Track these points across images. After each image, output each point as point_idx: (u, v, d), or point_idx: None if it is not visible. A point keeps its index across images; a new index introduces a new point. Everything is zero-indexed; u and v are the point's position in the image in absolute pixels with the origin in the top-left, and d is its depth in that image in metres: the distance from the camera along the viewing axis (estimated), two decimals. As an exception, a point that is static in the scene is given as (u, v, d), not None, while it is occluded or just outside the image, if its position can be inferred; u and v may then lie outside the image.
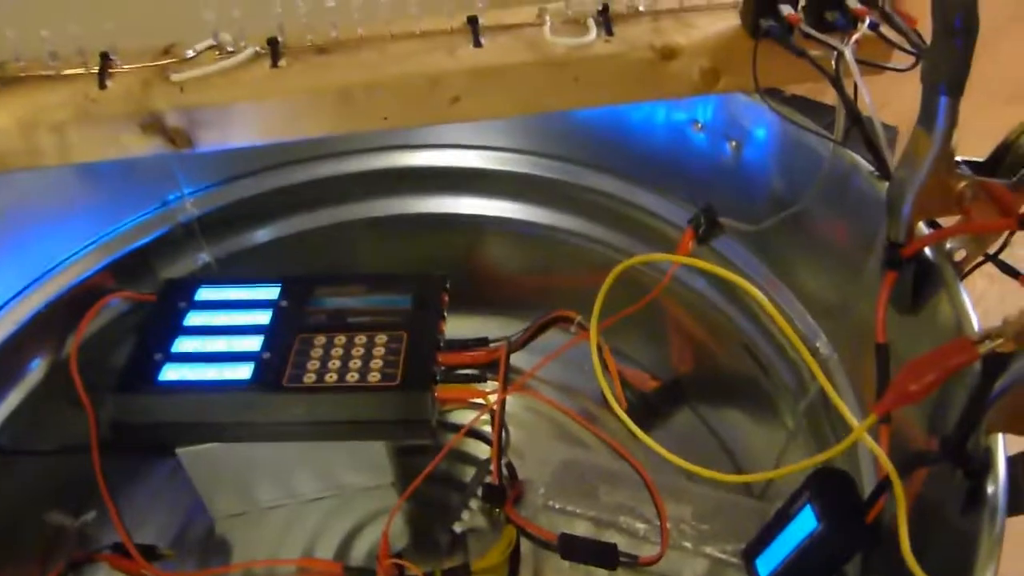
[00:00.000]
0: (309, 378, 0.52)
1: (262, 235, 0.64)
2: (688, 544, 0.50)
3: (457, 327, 0.58)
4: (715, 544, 0.50)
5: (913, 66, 0.43)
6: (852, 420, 0.37)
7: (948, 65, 0.33)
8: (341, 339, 0.55)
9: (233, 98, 0.46)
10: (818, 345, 0.49)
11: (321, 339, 0.55)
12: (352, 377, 0.52)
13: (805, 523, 0.40)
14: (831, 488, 0.39)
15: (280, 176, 0.63)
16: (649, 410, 0.64)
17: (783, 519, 0.42)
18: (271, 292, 0.58)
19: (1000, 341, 0.29)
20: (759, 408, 0.57)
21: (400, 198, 0.65)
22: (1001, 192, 0.35)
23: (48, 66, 0.47)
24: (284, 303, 0.57)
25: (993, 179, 0.36)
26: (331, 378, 0.52)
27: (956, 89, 0.34)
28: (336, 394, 0.52)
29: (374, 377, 0.52)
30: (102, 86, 0.47)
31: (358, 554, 0.57)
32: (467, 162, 0.63)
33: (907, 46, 0.44)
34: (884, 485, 0.35)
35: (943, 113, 0.34)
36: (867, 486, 0.42)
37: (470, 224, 0.66)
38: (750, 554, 0.44)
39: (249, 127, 0.47)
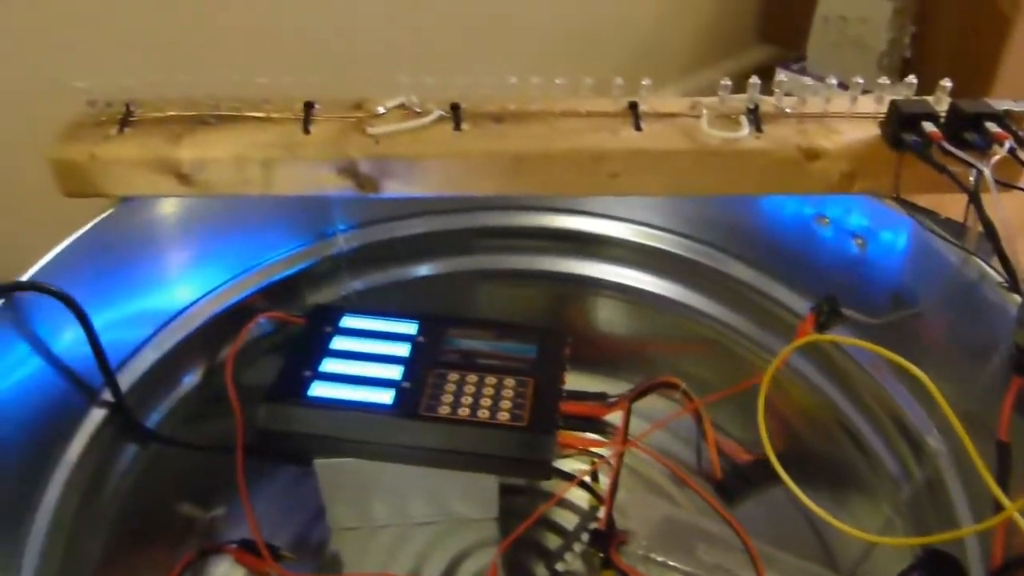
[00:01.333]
0: (444, 410, 0.57)
1: (401, 273, 0.70)
2: (781, 611, 0.53)
3: (570, 380, 0.63)
4: (808, 614, 0.53)
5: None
6: (1003, 498, 0.39)
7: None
8: (473, 378, 0.60)
9: (420, 154, 0.52)
10: (929, 439, 0.52)
11: (455, 376, 0.60)
12: (483, 414, 0.57)
13: (912, 599, 0.43)
14: (941, 570, 0.42)
15: (424, 222, 0.69)
16: (742, 482, 0.67)
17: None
18: (410, 327, 0.64)
19: None
20: (854, 493, 0.60)
21: (532, 255, 0.70)
22: None
23: (261, 108, 0.54)
24: (421, 338, 0.63)
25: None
26: (464, 412, 0.57)
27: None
28: (468, 427, 0.56)
29: (503, 416, 0.57)
30: (306, 131, 0.53)
31: (463, 579, 0.61)
32: (600, 229, 0.69)
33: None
34: (1003, 570, 0.38)
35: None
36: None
37: (592, 286, 0.71)
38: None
39: (430, 180, 0.53)
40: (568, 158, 0.52)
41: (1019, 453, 0.42)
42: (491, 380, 0.59)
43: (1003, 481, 0.42)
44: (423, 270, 0.70)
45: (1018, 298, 0.46)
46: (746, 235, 0.64)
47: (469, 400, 0.58)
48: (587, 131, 0.53)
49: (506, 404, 0.58)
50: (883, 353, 0.47)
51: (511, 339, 0.63)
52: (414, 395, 0.58)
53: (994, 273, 0.48)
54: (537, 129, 0.53)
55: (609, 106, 0.55)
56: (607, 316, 0.72)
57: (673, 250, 0.67)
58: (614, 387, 0.74)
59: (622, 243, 0.69)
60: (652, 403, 0.70)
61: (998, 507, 0.42)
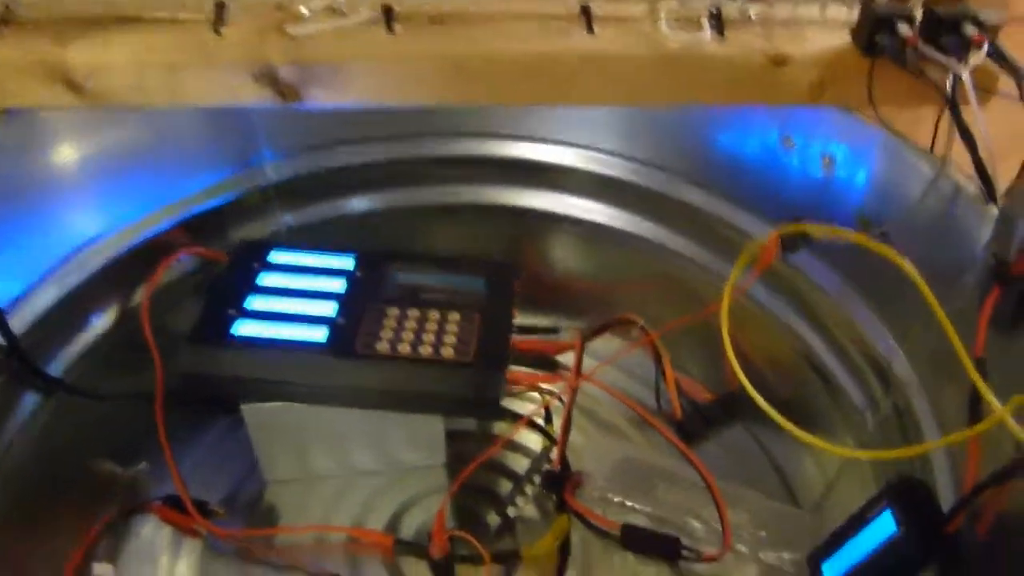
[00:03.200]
0: (383, 347, 0.52)
1: (335, 208, 0.65)
2: (744, 549, 0.50)
3: (519, 318, 0.58)
4: (771, 551, 0.50)
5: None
6: (994, 402, 0.36)
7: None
8: (415, 313, 0.55)
9: (349, 56, 0.47)
10: (896, 367, 0.49)
11: (395, 311, 0.55)
12: (426, 350, 0.52)
13: (882, 528, 0.40)
14: (911, 496, 0.40)
15: (359, 152, 0.64)
16: (702, 422, 0.64)
17: (857, 523, 0.42)
18: (346, 262, 0.59)
19: None
20: (816, 428, 0.57)
21: (478, 186, 0.65)
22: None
23: (165, 7, 0.48)
24: (359, 274, 0.58)
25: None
26: (404, 349, 0.52)
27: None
28: (409, 364, 0.52)
29: (447, 352, 0.52)
30: (217, 32, 0.47)
31: (407, 530, 0.56)
32: (550, 157, 0.64)
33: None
34: (981, 487, 0.35)
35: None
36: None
37: (543, 219, 0.66)
38: (816, 558, 0.44)
39: (360, 88, 0.47)
40: (514, 63, 0.47)
41: (1000, 366, 0.39)
42: (434, 315, 0.55)
43: (977, 399, 0.39)
44: (361, 204, 0.65)
45: (995, 211, 0.43)
46: (706, 160, 0.60)
47: (410, 336, 0.53)
48: (535, 35, 0.48)
49: (451, 340, 0.53)
50: (863, 243, 0.43)
51: (457, 273, 0.59)
52: (350, 332, 0.53)
53: (968, 185, 0.44)
54: (479, 32, 0.48)
55: (559, 7, 0.50)
56: (561, 252, 0.68)
57: (629, 178, 0.63)
58: (569, 327, 0.70)
59: (575, 172, 0.64)
60: (609, 344, 0.66)
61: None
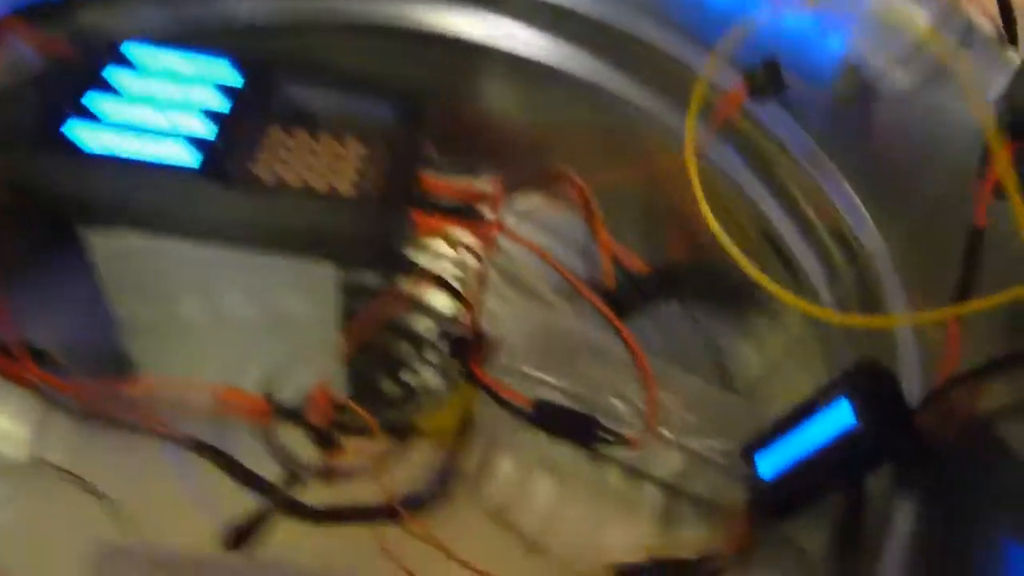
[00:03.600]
0: (267, 175, 0.43)
1: (214, 10, 0.53)
2: (669, 433, 0.45)
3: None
4: (698, 438, 0.45)
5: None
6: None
7: None
8: (308, 139, 0.45)
9: None
10: (862, 235, 0.42)
11: (285, 135, 0.45)
12: (318, 182, 0.43)
13: (836, 420, 0.34)
14: (874, 386, 0.34)
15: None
16: (636, 295, 0.57)
17: (805, 413, 0.36)
18: (226, 71, 0.48)
19: None
20: (761, 309, 0.51)
21: (404, 4, 0.54)
22: None
23: None
24: (243, 86, 0.47)
25: None
26: (292, 179, 0.43)
27: None
28: (297, 198, 0.43)
29: (344, 186, 0.43)
30: None
31: (285, 393, 0.49)
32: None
33: None
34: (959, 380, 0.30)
35: None
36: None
37: (470, 48, 0.56)
38: (752, 448, 0.38)
39: None
40: None
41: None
42: (331, 143, 0.45)
43: (970, 272, 0.32)
44: (248, 8, 0.53)
45: (1014, 55, 0.35)
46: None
47: (301, 165, 0.44)
48: None
49: (349, 172, 0.44)
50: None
51: (361, 95, 0.49)
52: (228, 154, 0.43)
53: (985, 24, 0.37)
54: None
55: None
56: (488, 88, 0.58)
57: (579, 6, 0.53)
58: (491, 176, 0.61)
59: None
60: (535, 203, 0.59)
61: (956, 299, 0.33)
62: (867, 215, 0.42)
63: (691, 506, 0.47)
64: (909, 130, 0.40)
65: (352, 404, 0.44)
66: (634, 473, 0.48)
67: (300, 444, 0.47)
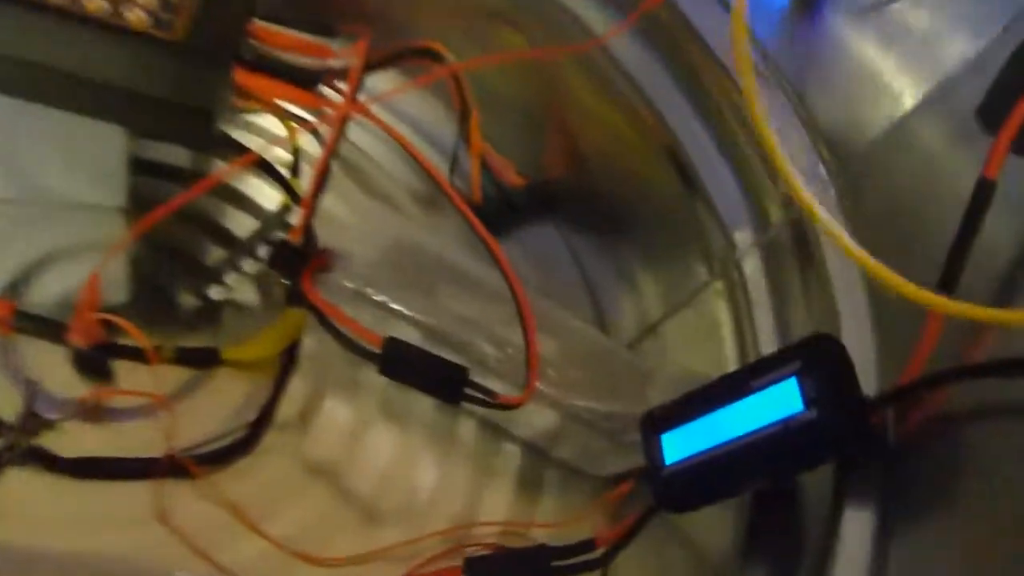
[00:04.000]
0: (19, -18, 0.29)
1: None
2: (545, 388, 0.36)
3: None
4: (580, 396, 0.37)
5: None
6: None
7: None
8: (89, -61, 0.31)
9: None
10: (808, 175, 0.35)
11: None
12: (98, 6, 0.30)
13: (778, 404, 0.27)
14: (830, 366, 0.26)
15: None
16: (506, 211, 0.48)
17: (735, 389, 0.28)
18: None
19: None
20: (657, 243, 0.44)
21: None
22: None
23: None
24: None
25: None
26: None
27: None
28: (67, 26, 0.29)
29: (137, 16, 0.30)
30: None
31: (45, 296, 0.36)
32: None
33: None
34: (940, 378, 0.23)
35: None
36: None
37: None
38: (655, 424, 0.31)
39: None
40: None
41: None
42: (125, -49, 0.32)
43: (969, 231, 0.26)
44: None
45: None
46: None
47: (73, -25, 0.30)
48: None
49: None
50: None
51: None
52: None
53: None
54: None
55: None
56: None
57: None
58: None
59: None
60: (398, 85, 0.47)
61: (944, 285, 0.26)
62: (817, 154, 0.35)
63: (556, 473, 0.40)
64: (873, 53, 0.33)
65: (119, 319, 0.32)
66: (494, 430, 0.40)
67: (55, 368, 0.35)
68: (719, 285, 0.40)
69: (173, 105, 0.31)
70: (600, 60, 0.43)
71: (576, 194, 0.49)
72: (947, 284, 0.26)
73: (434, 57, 0.43)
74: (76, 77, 0.30)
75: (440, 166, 0.48)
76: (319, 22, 0.37)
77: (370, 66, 0.41)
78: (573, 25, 0.44)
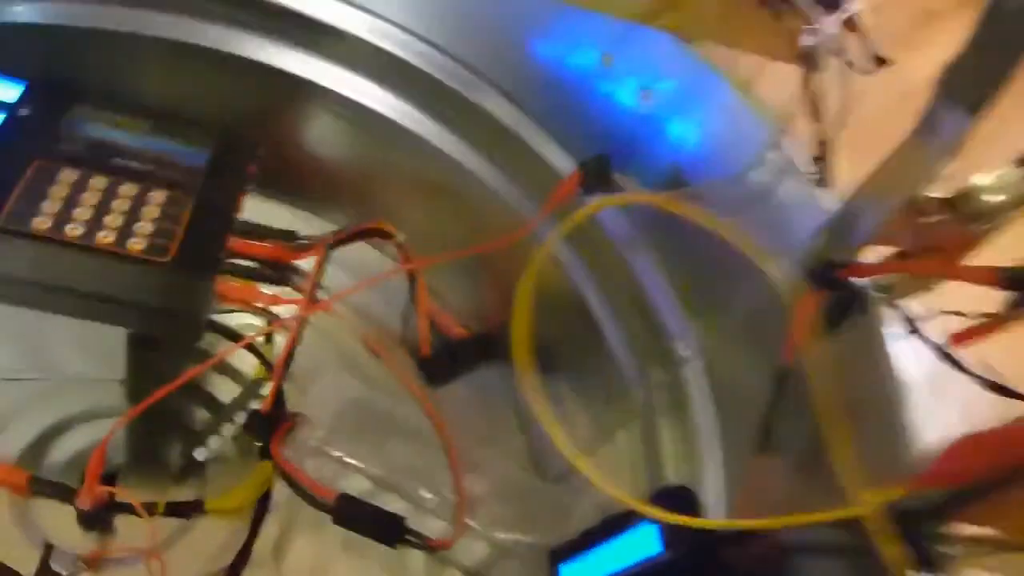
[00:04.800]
0: (43, 223, 0.38)
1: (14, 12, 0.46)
2: (477, 525, 0.43)
3: (249, 210, 0.46)
4: (505, 531, 0.44)
5: (875, 70, 0.38)
6: (854, 494, 0.29)
7: (982, 79, 0.28)
8: (101, 182, 0.40)
9: None
10: (680, 345, 0.43)
11: (71, 174, 0.40)
12: (106, 237, 0.38)
13: (643, 543, 0.34)
14: (682, 511, 0.34)
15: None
16: (451, 360, 0.56)
17: (612, 529, 0.36)
18: (7, 90, 0.42)
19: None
20: (580, 391, 0.52)
21: (224, 27, 0.50)
22: (964, 237, 0.31)
23: None
24: (25, 111, 0.41)
25: (959, 219, 0.32)
26: (75, 231, 0.38)
27: (979, 108, 0.29)
28: (78, 254, 0.38)
29: (137, 244, 0.39)
30: None
31: (55, 461, 0.43)
32: (329, 15, 0.50)
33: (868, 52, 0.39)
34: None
35: (954, 129, 0.29)
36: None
37: (304, 88, 0.52)
38: (558, 557, 0.38)
39: None
40: None
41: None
42: (129, 189, 0.41)
43: (776, 409, 0.34)
44: (37, 10, 0.46)
45: (825, 196, 0.37)
46: (514, 62, 0.49)
47: (88, 214, 0.39)
48: None
49: (146, 227, 0.39)
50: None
51: (173, 135, 0.44)
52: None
53: (801, 163, 0.38)
54: None
55: None
56: (320, 133, 0.55)
57: (420, 64, 0.51)
58: (314, 226, 0.58)
59: (351, 39, 0.51)
60: (360, 253, 0.56)
61: (762, 441, 0.34)
62: (687, 326, 0.43)
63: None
64: (728, 244, 0.42)
65: (119, 489, 0.39)
66: (439, 559, 0.47)
67: (64, 524, 0.41)
68: (632, 424, 0.47)
69: (166, 313, 0.39)
70: (530, 243, 0.51)
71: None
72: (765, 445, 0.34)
73: (385, 236, 0.52)
74: (87, 295, 0.38)
75: (396, 319, 0.56)
76: (283, 232, 0.45)
77: (332, 245, 0.50)
78: (498, 201, 0.53)
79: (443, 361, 0.55)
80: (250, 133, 0.48)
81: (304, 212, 0.57)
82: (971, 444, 0.26)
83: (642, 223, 0.46)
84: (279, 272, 0.45)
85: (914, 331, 0.33)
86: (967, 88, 0.29)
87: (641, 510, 0.33)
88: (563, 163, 0.48)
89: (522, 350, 0.40)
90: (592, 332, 0.49)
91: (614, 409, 0.47)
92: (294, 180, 0.55)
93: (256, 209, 0.48)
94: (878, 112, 0.38)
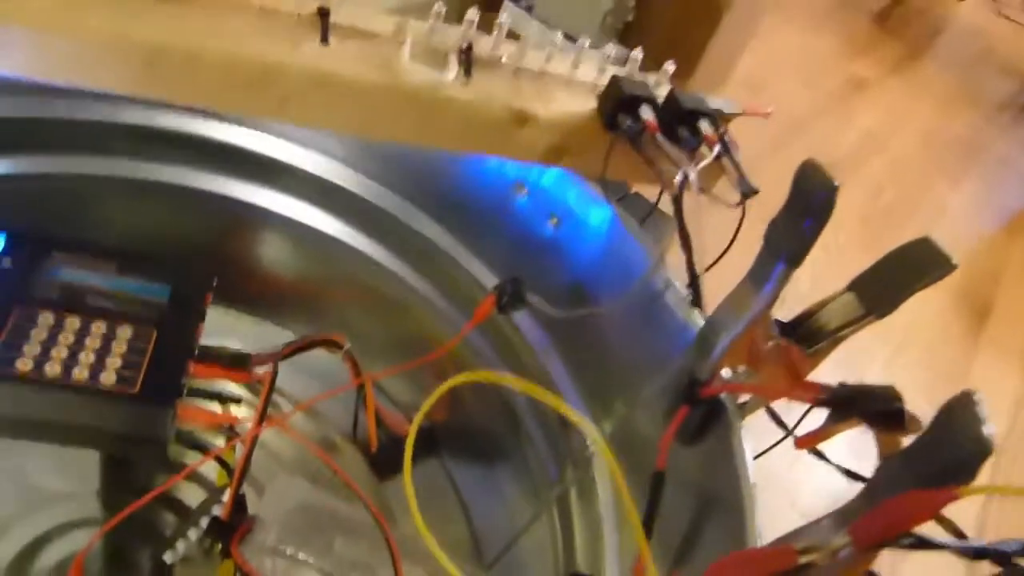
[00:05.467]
0: (24, 364, 0.43)
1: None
2: (417, 612, 0.49)
3: (210, 322, 0.52)
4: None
5: (740, 203, 0.45)
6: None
7: (794, 241, 0.35)
8: (75, 323, 0.46)
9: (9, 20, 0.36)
10: (588, 443, 0.49)
11: (49, 317, 0.46)
12: (80, 374, 0.44)
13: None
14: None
15: (36, 104, 0.52)
16: (398, 453, 0.61)
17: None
18: (-9, 243, 0.48)
19: (817, 555, 0.29)
20: (509, 480, 0.57)
21: (180, 167, 0.56)
22: (799, 358, 0.38)
23: None
24: (7, 262, 0.47)
25: (793, 344, 0.38)
26: (53, 370, 0.43)
27: (795, 262, 0.35)
28: (56, 392, 0.43)
29: (108, 378, 0.44)
30: None
31: (40, 570, 0.48)
32: (273, 150, 0.57)
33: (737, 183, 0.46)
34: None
35: (776, 279, 0.36)
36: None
37: (254, 214, 0.59)
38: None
39: (28, 57, 0.37)
40: (224, 66, 0.40)
41: (677, 474, 0.40)
42: (100, 327, 0.46)
43: (653, 509, 0.39)
44: (14, 164, 0.53)
45: (698, 316, 0.44)
46: (440, 191, 0.56)
47: (64, 353, 0.44)
48: (256, 33, 0.41)
49: (115, 362, 0.45)
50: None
51: (138, 275, 0.50)
52: (-14, 345, 0.43)
53: (679, 286, 0.45)
54: (189, 19, 0.40)
55: (292, 5, 0.43)
56: (271, 253, 0.61)
57: (357, 191, 0.58)
58: (272, 333, 0.64)
59: (297, 173, 0.58)
60: (315, 356, 0.61)
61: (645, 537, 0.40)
62: (593, 426, 0.49)
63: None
64: (626, 350, 0.48)
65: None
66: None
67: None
68: (552, 509, 0.53)
69: (135, 439, 0.44)
70: (464, 346, 0.57)
71: (454, 434, 0.63)
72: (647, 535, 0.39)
73: (334, 345, 0.58)
74: (64, 426, 0.44)
75: (346, 415, 0.61)
76: (238, 355, 0.51)
77: (282, 359, 0.56)
78: (433, 312, 0.59)
79: (390, 455, 0.61)
80: (208, 260, 0.54)
81: (259, 320, 0.63)
82: (738, 560, 0.32)
83: (554, 334, 0.52)
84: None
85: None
86: (785, 242, 0.36)
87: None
88: (486, 277, 0.55)
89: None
90: (517, 428, 0.55)
91: (540, 494, 0.52)
92: (250, 293, 0.62)
93: (216, 320, 0.54)
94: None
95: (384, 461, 0.59)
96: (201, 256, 0.53)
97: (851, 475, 0.38)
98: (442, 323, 0.58)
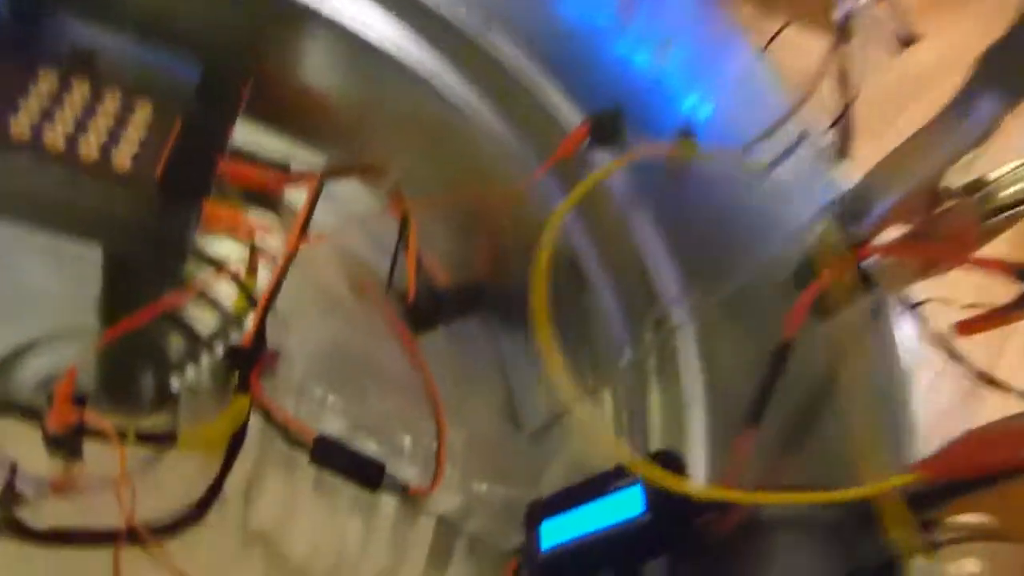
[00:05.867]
0: (20, 129, 0.35)
1: None
2: (454, 475, 0.43)
3: (237, 137, 0.44)
4: (480, 481, 0.43)
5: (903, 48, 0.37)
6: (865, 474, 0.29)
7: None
8: (84, 88, 0.38)
9: None
10: (674, 310, 0.42)
11: (52, 78, 0.37)
12: (88, 149, 0.36)
13: (627, 505, 0.34)
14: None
15: None
16: (435, 308, 0.55)
17: (596, 490, 0.35)
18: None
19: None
20: (564, 350, 0.51)
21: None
22: (973, 228, 0.31)
23: None
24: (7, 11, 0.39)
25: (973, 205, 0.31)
26: (54, 140, 0.36)
27: (1018, 94, 0.28)
28: (58, 165, 0.36)
29: (122, 159, 0.37)
30: None
31: (24, 380, 0.41)
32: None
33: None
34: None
35: (989, 113, 0.28)
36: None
37: (300, 14, 0.50)
38: (536, 514, 0.37)
39: None
40: None
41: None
42: (114, 98, 0.38)
43: (771, 383, 0.33)
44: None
45: (840, 168, 0.37)
46: (530, 9, 0.47)
47: (69, 123, 0.37)
48: None
49: (131, 141, 0.37)
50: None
51: (166, 50, 0.42)
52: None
53: (824, 128, 0.37)
54: None
55: None
56: (316, 64, 0.53)
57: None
58: (305, 157, 0.56)
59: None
60: (349, 191, 0.54)
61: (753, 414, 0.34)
62: (679, 286, 0.42)
63: (465, 543, 0.46)
64: (737, 213, 0.41)
65: (91, 415, 0.38)
66: (412, 503, 0.46)
67: (30, 447, 0.40)
68: (613, 383, 0.47)
69: (150, 235, 0.37)
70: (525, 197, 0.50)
71: (499, 292, 0.56)
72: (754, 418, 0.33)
73: (379, 174, 0.51)
74: (66, 208, 0.36)
75: (382, 262, 0.54)
76: (276, 162, 0.44)
77: (325, 177, 0.48)
78: (496, 148, 0.51)
79: (429, 308, 0.54)
80: (241, 58, 0.46)
81: (292, 142, 0.55)
82: (977, 437, 0.26)
83: (645, 182, 0.44)
84: (270, 201, 0.43)
85: (915, 317, 0.33)
86: (1008, 72, 0.28)
87: (634, 467, 0.33)
88: (571, 116, 0.47)
89: (542, 318, 0.39)
90: (582, 288, 0.48)
91: (601, 369, 0.46)
92: (285, 109, 0.53)
93: (243, 134, 0.46)
94: (887, 94, 0.36)
95: (420, 314, 0.52)
96: (239, 45, 0.45)
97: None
98: (506, 165, 0.50)
